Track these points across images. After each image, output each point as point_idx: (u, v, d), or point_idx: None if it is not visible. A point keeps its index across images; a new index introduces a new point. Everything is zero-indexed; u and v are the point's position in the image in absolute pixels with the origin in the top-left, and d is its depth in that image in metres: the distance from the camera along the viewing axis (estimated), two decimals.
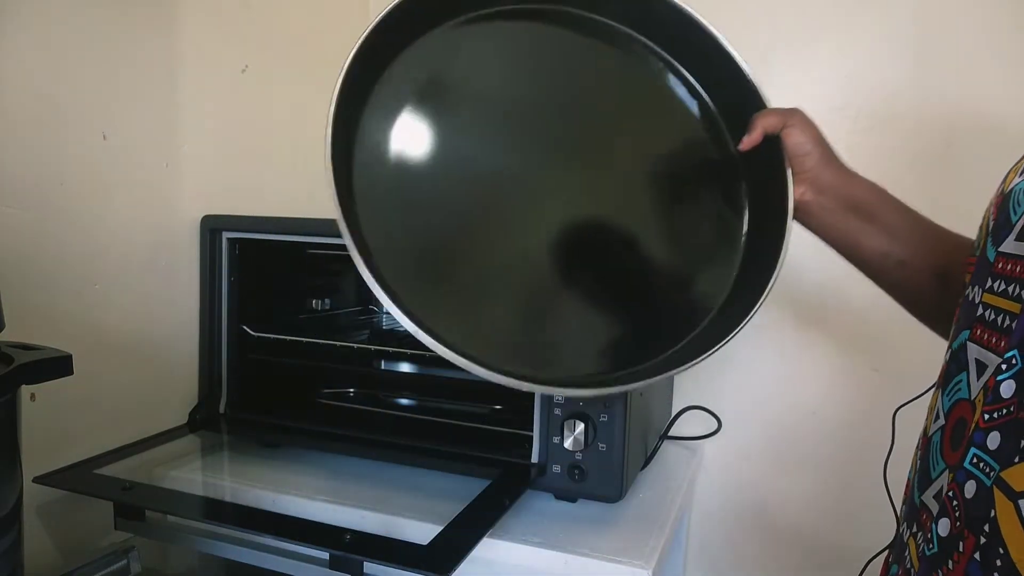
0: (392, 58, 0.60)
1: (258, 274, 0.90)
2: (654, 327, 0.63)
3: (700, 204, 0.67)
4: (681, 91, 0.67)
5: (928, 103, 0.95)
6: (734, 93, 0.65)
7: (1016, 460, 0.34)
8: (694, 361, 0.56)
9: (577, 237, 0.64)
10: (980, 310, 0.42)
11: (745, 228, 0.66)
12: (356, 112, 0.58)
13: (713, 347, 0.55)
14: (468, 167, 0.62)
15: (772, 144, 0.62)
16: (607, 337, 0.63)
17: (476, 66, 0.63)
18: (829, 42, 0.99)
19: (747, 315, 0.57)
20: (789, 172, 0.62)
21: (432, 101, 0.61)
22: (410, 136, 0.60)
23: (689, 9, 0.63)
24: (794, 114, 0.62)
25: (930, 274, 0.59)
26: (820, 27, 1.00)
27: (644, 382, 0.57)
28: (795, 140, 0.61)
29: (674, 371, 0.57)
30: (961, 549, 0.37)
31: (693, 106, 0.67)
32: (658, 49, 0.67)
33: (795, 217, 0.62)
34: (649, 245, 0.66)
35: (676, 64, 0.67)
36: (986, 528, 0.35)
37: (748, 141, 0.62)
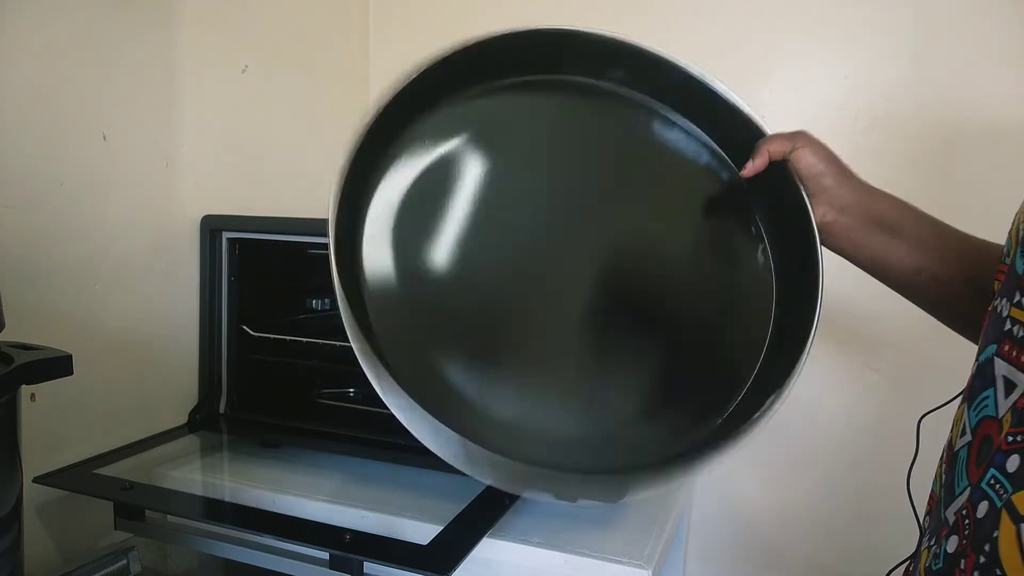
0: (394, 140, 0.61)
1: (258, 274, 0.90)
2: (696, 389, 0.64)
3: (725, 244, 0.67)
4: (678, 135, 0.67)
5: (928, 103, 0.95)
6: (733, 128, 0.64)
7: None
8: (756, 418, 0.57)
9: (609, 293, 0.65)
10: (1008, 325, 0.40)
11: (771, 263, 0.65)
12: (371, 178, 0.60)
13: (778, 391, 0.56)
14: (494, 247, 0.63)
15: (784, 171, 0.60)
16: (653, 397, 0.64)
17: (492, 135, 0.64)
18: (829, 42, 0.99)
19: (798, 360, 0.57)
20: (806, 195, 0.60)
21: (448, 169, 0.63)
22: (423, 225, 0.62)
23: (691, 66, 0.63)
24: (801, 136, 0.59)
25: (964, 285, 0.56)
26: (820, 27, 1.00)
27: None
28: (807, 162, 0.58)
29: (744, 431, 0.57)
30: (962, 567, 0.36)
31: (693, 146, 0.67)
32: (648, 99, 0.67)
33: (820, 241, 0.60)
34: (684, 294, 0.66)
35: (668, 110, 0.67)
36: (986, 548, 0.35)
37: (752, 167, 0.60)
